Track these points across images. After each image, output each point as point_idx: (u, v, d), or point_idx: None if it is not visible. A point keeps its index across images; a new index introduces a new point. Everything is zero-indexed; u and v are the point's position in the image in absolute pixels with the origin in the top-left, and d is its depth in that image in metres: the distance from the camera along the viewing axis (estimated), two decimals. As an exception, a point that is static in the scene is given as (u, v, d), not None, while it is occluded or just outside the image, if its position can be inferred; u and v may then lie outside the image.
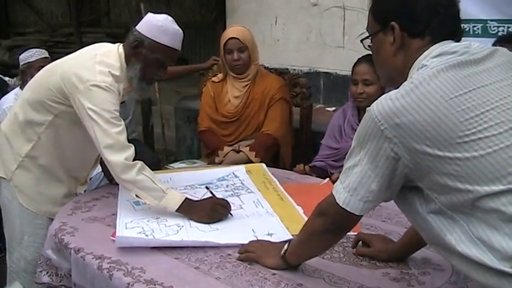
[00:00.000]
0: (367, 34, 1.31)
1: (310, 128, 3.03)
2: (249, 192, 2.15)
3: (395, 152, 1.10)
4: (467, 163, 1.05)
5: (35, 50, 3.29)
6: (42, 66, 2.79)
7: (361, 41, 1.33)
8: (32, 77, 2.19)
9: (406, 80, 1.16)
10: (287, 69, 3.60)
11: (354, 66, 2.42)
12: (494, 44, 2.12)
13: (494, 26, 2.96)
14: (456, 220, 1.09)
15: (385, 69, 1.30)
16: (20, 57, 3.25)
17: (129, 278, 1.47)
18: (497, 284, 1.04)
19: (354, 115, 2.46)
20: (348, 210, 1.19)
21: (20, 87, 3.21)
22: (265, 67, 3.01)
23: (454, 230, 1.09)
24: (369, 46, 1.31)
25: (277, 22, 4.28)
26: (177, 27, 1.98)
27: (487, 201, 1.05)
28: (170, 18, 1.99)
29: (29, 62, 3.17)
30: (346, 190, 1.19)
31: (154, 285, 1.43)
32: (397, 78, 1.23)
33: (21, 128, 2.06)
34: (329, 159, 2.50)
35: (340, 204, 1.19)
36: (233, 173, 2.37)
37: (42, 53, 3.25)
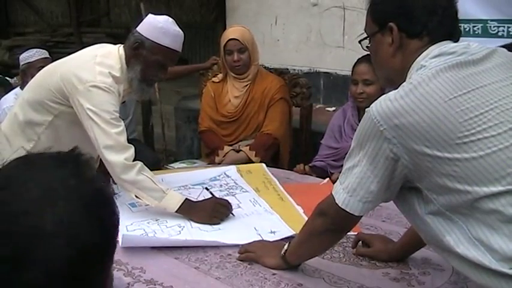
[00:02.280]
0: (366, 35, 1.31)
1: (310, 128, 3.03)
2: (244, 192, 2.16)
3: (394, 153, 1.10)
4: (467, 164, 1.05)
5: (35, 50, 3.28)
6: (43, 66, 2.76)
7: (360, 41, 1.33)
8: (32, 77, 2.18)
9: (404, 80, 1.16)
10: (287, 69, 3.60)
11: (353, 66, 2.42)
12: None
13: (494, 26, 2.96)
14: (455, 221, 1.09)
15: (384, 70, 1.30)
16: (20, 57, 3.25)
17: (129, 278, 1.47)
18: (495, 285, 1.04)
19: (354, 115, 2.46)
20: (348, 211, 1.19)
21: (20, 87, 3.21)
22: (265, 67, 3.01)
23: (452, 231, 1.09)
24: (367, 47, 1.32)
25: (277, 22, 4.28)
26: (177, 28, 1.98)
27: (486, 202, 1.05)
28: (171, 19, 1.99)
29: (29, 62, 3.17)
30: (345, 191, 1.19)
31: (155, 285, 1.43)
32: (395, 79, 1.23)
33: (21, 128, 2.06)
34: (329, 159, 2.50)
35: (340, 205, 1.20)
36: (224, 173, 2.37)
37: (43, 53, 3.25)
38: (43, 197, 0.59)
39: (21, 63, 3.21)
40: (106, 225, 0.63)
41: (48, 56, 3.25)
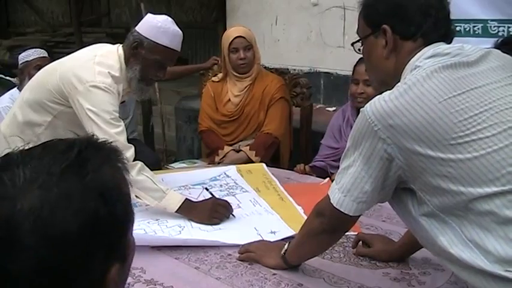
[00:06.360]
0: (358, 38, 1.31)
1: (310, 128, 3.02)
2: (244, 192, 2.16)
3: (388, 153, 1.10)
4: (461, 165, 1.05)
5: (33, 49, 3.27)
6: (40, 65, 2.75)
7: (352, 44, 1.33)
8: (29, 76, 2.18)
9: (399, 82, 1.16)
10: (287, 69, 3.59)
11: (354, 66, 2.42)
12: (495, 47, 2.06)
13: (494, 26, 2.95)
14: (448, 223, 1.08)
15: (377, 72, 1.30)
16: (20, 56, 3.23)
17: (130, 278, 1.46)
18: (490, 287, 1.03)
19: (353, 115, 2.46)
20: (342, 210, 1.19)
21: (18, 88, 3.20)
22: (265, 67, 3.01)
23: (446, 232, 1.09)
24: (359, 50, 1.31)
25: (277, 22, 4.28)
26: (176, 28, 1.98)
27: (480, 203, 1.04)
28: (170, 19, 1.99)
29: (26, 61, 3.16)
30: (340, 191, 1.19)
31: (155, 285, 1.43)
32: (389, 81, 1.22)
33: (20, 128, 2.06)
34: (329, 159, 2.50)
35: (334, 205, 1.20)
36: (224, 173, 2.37)
37: (41, 53, 3.23)
38: (24, 183, 0.60)
39: (20, 63, 3.21)
40: (84, 213, 0.62)
41: (47, 55, 3.24)
